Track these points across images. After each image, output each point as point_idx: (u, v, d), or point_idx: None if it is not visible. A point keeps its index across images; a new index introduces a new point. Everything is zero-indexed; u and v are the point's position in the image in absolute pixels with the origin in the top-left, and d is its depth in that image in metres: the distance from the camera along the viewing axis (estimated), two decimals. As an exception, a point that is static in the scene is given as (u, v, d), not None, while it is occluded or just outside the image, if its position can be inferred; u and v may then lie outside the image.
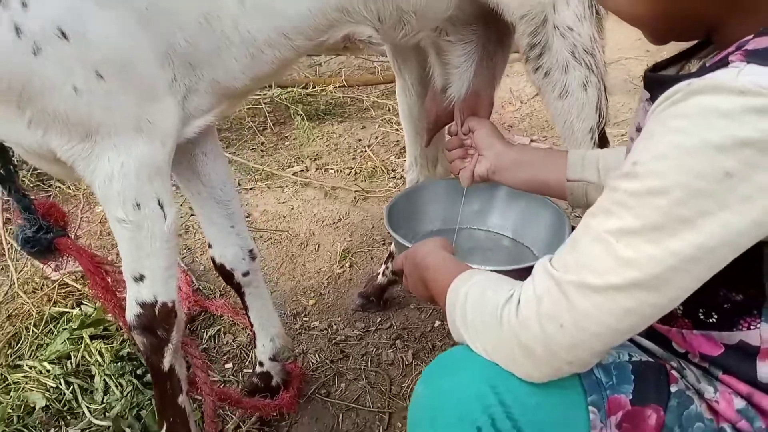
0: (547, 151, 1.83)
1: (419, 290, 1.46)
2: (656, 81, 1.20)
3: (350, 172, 3.63)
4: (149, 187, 1.53)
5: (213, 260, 2.01)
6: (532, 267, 1.61)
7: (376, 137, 3.97)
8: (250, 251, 2.01)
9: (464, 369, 1.17)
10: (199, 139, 1.80)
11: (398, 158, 3.73)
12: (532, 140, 3.93)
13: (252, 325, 2.17)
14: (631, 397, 1.18)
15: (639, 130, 1.27)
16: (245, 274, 2.02)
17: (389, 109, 4.26)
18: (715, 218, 0.92)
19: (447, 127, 2.07)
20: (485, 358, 1.15)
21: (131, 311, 1.66)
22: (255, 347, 2.24)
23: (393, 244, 2.58)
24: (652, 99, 1.16)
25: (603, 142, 1.94)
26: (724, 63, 0.97)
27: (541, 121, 4.07)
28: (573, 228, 1.75)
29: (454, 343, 2.44)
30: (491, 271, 1.57)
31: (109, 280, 1.83)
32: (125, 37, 1.40)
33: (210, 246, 1.99)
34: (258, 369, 2.24)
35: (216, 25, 1.48)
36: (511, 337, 1.08)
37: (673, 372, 1.23)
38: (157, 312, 1.65)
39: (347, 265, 2.95)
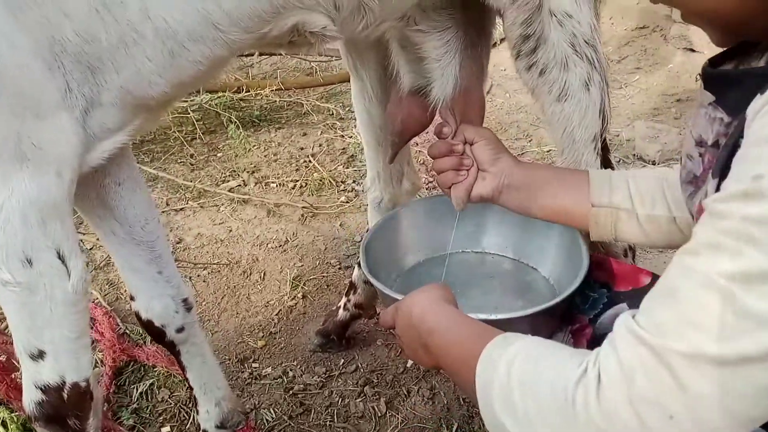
0: (563, 169, 1.50)
1: (420, 357, 1.14)
2: (725, 79, 0.94)
3: (294, 186, 3.23)
4: (42, 234, 1.14)
5: (137, 316, 1.60)
6: (558, 306, 1.29)
7: (320, 145, 3.58)
8: (184, 301, 1.61)
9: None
10: (110, 166, 1.40)
11: (347, 168, 3.36)
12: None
13: (192, 388, 1.76)
14: None
15: (701, 143, 0.98)
16: (179, 330, 1.62)
17: (331, 113, 3.88)
18: None
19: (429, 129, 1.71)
20: None
21: (30, 397, 1.29)
22: (197, 413, 1.83)
23: (365, 279, 2.22)
24: (720, 102, 0.92)
25: (604, 152, 1.62)
26: None
27: (493, 123, 3.74)
28: (588, 243, 1.42)
29: (432, 387, 2.12)
30: (507, 319, 1.25)
31: None
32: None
33: (132, 298, 1.58)
34: (202, 439, 1.83)
35: (117, 12, 1.08)
36: (592, 430, 0.77)
37: None
38: (66, 396, 1.28)
39: (299, 295, 2.56)
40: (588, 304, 1.39)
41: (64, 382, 1.25)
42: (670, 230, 1.26)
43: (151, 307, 1.56)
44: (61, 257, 1.15)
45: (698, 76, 0.99)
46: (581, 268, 1.36)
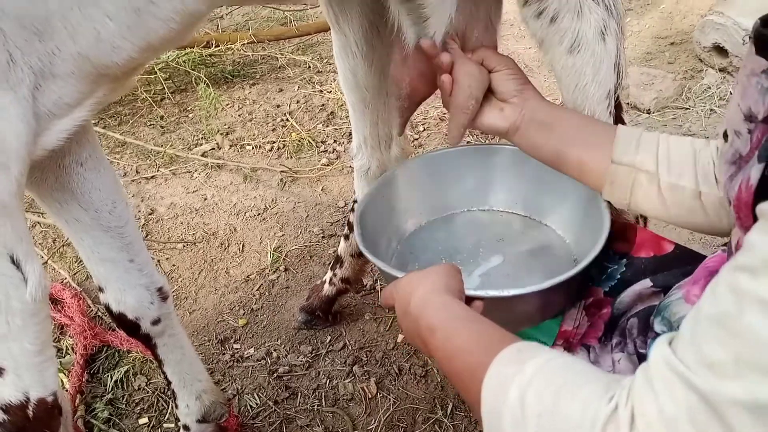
0: (590, 118, 1.36)
1: (418, 346, 1.02)
2: None
3: (272, 148, 3.04)
4: None
5: (107, 308, 1.44)
6: (576, 277, 1.19)
7: (297, 101, 3.39)
8: (159, 290, 1.45)
9: None
10: (70, 144, 1.22)
11: (326, 126, 3.18)
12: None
13: (170, 383, 1.62)
14: None
15: (750, 118, 0.85)
16: (155, 322, 1.47)
17: (308, 66, 3.67)
18: None
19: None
20: None
21: (-10, 418, 1.12)
22: (176, 407, 1.69)
23: (352, 253, 2.07)
24: None
25: (617, 110, 1.48)
26: None
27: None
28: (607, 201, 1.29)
29: (424, 363, 2.01)
30: (519, 295, 1.13)
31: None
32: None
33: (101, 290, 1.42)
34: (183, 434, 1.70)
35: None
36: None
37: None
38: (31, 414, 1.13)
39: (281, 268, 2.41)
40: (604, 275, 1.27)
41: (29, 399, 1.10)
42: (693, 206, 1.12)
43: (123, 299, 1.41)
44: (15, 262, 0.99)
45: (748, 38, 0.85)
46: (602, 230, 1.23)
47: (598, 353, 1.17)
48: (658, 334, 1.04)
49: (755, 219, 0.70)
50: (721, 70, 3.26)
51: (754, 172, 0.74)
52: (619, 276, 1.26)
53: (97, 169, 1.28)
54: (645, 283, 1.19)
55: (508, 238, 1.50)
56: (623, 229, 1.28)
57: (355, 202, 1.99)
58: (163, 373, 1.60)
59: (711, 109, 3.06)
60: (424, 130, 3.12)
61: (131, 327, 1.45)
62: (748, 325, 0.59)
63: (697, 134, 2.93)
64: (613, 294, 1.24)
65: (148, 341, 1.50)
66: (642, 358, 1.08)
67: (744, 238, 0.63)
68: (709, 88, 3.18)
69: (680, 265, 1.19)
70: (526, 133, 1.25)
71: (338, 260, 2.11)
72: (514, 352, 0.81)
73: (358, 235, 1.32)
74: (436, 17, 1.29)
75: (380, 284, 2.31)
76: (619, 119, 1.50)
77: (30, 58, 0.96)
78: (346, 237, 2.06)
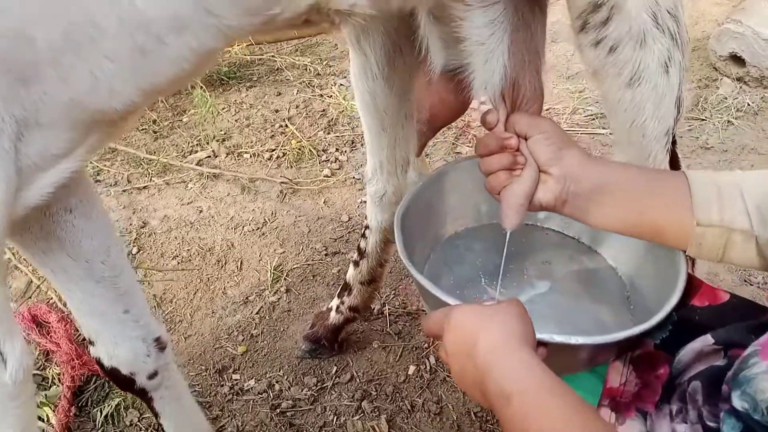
0: (648, 170, 1.22)
1: (470, 390, 0.93)
2: None
3: (271, 157, 2.90)
4: None
5: (99, 363, 1.30)
6: (636, 337, 1.07)
7: (296, 106, 3.24)
8: (157, 340, 1.32)
9: None
10: (58, 190, 1.08)
11: (328, 133, 3.03)
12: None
13: (166, 434, 1.49)
14: None
15: None
16: (152, 376, 1.33)
17: (308, 69, 3.52)
18: None
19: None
20: None
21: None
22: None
23: (361, 281, 1.94)
24: None
25: (672, 145, 1.35)
26: None
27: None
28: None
29: (438, 399, 1.89)
30: (586, 344, 1.05)
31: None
32: None
33: (92, 343, 1.28)
34: (180, 486, 1.57)
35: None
36: None
37: None
38: None
39: (282, 289, 2.28)
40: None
41: (8, 486, 0.97)
42: None
43: (117, 353, 1.27)
44: (-8, 342, 0.85)
45: None
46: (677, 280, 1.11)
47: (654, 420, 1.05)
48: (735, 409, 0.92)
49: None
50: (738, 79, 3.13)
51: None
52: (670, 327, 1.14)
53: (89, 216, 1.13)
54: (706, 340, 1.06)
55: (555, 261, 1.39)
56: None
57: (367, 228, 1.86)
58: (160, 425, 1.47)
59: (728, 121, 2.94)
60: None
61: (125, 382, 1.31)
62: None
63: (714, 147, 2.81)
64: (665, 347, 1.12)
65: (143, 395, 1.36)
66: (708, 430, 0.96)
67: None
68: (726, 98, 3.06)
69: (737, 315, 1.08)
70: (575, 205, 1.10)
71: (346, 287, 1.98)
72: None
73: (401, 249, 1.19)
74: (486, 66, 1.15)
75: (388, 308, 2.18)
76: (673, 154, 1.37)
77: (12, 106, 0.82)
78: (356, 264, 1.92)
